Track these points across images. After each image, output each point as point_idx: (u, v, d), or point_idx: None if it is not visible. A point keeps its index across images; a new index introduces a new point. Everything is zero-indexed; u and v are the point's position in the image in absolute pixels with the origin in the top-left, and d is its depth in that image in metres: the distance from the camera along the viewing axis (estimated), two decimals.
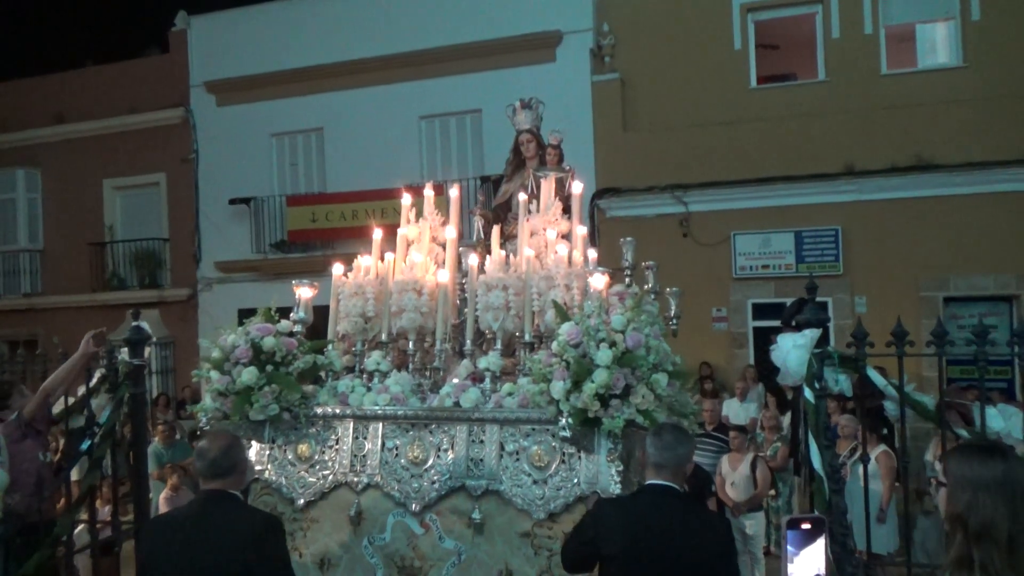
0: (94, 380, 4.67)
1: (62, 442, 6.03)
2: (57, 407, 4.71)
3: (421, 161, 12.63)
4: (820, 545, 2.44)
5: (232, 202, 13.27)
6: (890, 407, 3.20)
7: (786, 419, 7.79)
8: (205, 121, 13.83)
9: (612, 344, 3.05)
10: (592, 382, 3.00)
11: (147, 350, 4.84)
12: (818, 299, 3.61)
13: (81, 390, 4.77)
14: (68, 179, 14.53)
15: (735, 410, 8.17)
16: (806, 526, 2.45)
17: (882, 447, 6.23)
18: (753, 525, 6.14)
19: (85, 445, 4.54)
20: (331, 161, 13.14)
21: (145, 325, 4.78)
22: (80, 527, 5.06)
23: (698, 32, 11.48)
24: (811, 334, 3.24)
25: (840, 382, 3.25)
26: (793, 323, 3.41)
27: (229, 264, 13.40)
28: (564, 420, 3.12)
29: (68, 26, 26.92)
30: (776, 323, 9.61)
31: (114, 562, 5.81)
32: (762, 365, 10.06)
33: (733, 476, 6.22)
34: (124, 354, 4.65)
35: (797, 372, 3.19)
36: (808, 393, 3.18)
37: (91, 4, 28.00)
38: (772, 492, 6.60)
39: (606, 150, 11.53)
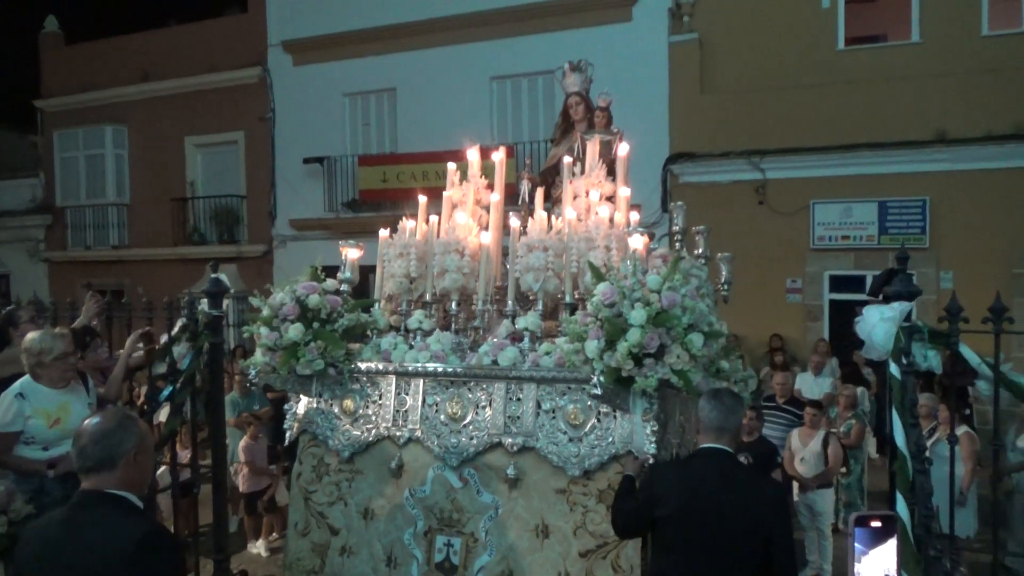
0: (175, 329, 4.84)
1: (144, 388, 6.30)
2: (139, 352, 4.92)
3: (492, 123, 12.54)
4: (891, 545, 2.30)
5: (306, 161, 13.49)
6: (983, 387, 3.02)
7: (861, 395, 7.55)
8: (282, 80, 14.05)
9: (647, 304, 2.99)
10: (626, 341, 2.96)
11: (225, 302, 5.00)
12: None
13: (163, 338, 4.95)
14: (152, 136, 15.02)
15: (808, 384, 7.92)
16: (876, 524, 2.32)
17: (964, 428, 5.96)
18: (822, 502, 5.99)
19: (167, 392, 4.73)
20: (403, 122, 13.18)
21: (224, 278, 4.91)
22: (162, 469, 5.32)
23: None
24: (900, 307, 3.07)
25: (929, 358, 3.08)
26: (880, 295, 3.24)
27: (303, 222, 13.69)
28: (596, 378, 3.11)
29: None
30: (856, 296, 9.34)
31: (192, 502, 6.12)
32: (838, 339, 9.75)
33: (803, 452, 6.06)
34: (204, 305, 4.81)
35: (883, 346, 3.04)
36: (894, 368, 3.03)
37: None
38: (843, 469, 6.41)
39: (681, 113, 11.22)
